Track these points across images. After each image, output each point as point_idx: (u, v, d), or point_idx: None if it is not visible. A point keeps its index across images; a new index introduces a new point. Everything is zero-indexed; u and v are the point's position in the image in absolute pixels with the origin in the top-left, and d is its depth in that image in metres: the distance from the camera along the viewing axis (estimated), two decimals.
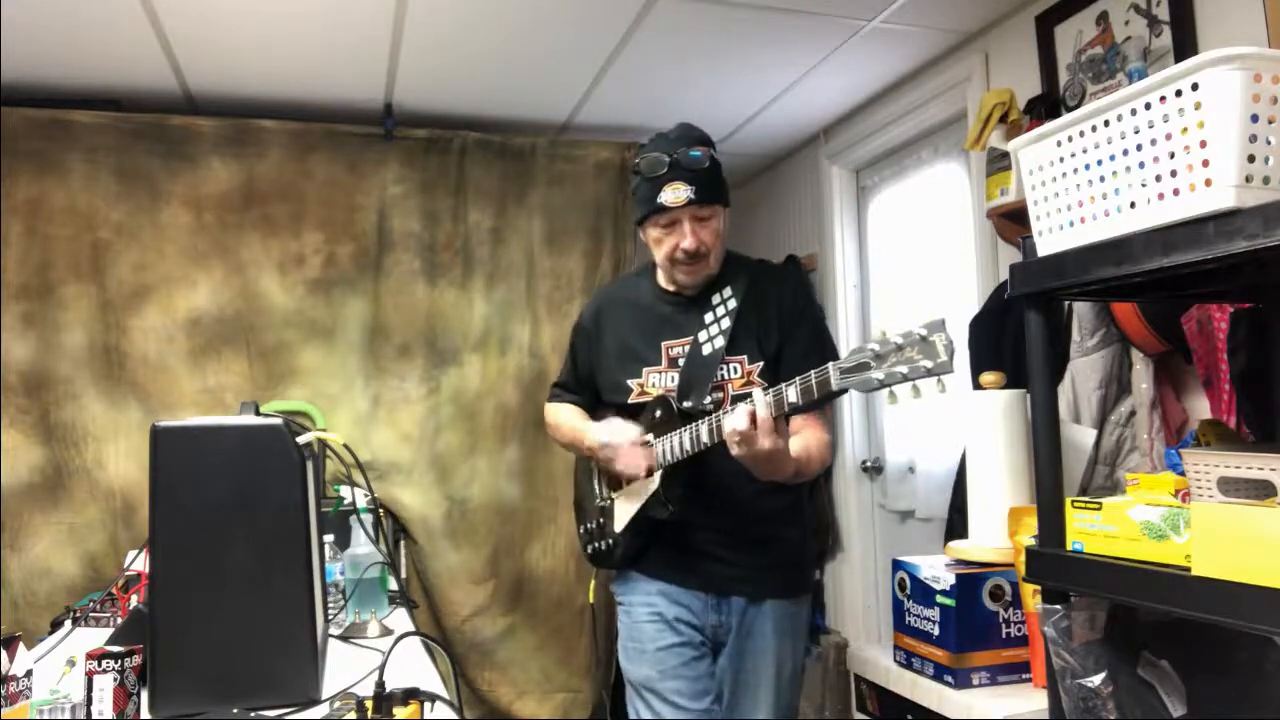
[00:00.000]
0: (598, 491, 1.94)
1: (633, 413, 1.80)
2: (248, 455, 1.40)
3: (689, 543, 1.79)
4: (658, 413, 1.74)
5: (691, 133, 1.79)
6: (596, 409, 1.94)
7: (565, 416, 1.99)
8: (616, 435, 1.77)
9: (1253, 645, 1.21)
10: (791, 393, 1.46)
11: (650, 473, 1.74)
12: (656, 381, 1.80)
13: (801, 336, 1.78)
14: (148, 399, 2.80)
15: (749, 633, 1.80)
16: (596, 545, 1.92)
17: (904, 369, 1.29)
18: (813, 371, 1.42)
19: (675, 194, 1.71)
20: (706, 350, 1.77)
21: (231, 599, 1.36)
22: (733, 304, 1.79)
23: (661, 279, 1.89)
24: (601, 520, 1.90)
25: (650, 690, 1.78)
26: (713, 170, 1.75)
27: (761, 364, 1.75)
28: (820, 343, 1.81)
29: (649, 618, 1.82)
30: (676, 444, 1.67)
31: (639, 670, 1.81)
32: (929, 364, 1.27)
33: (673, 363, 1.80)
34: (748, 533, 1.78)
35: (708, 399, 1.72)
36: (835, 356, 1.66)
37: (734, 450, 1.51)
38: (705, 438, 1.61)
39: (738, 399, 1.66)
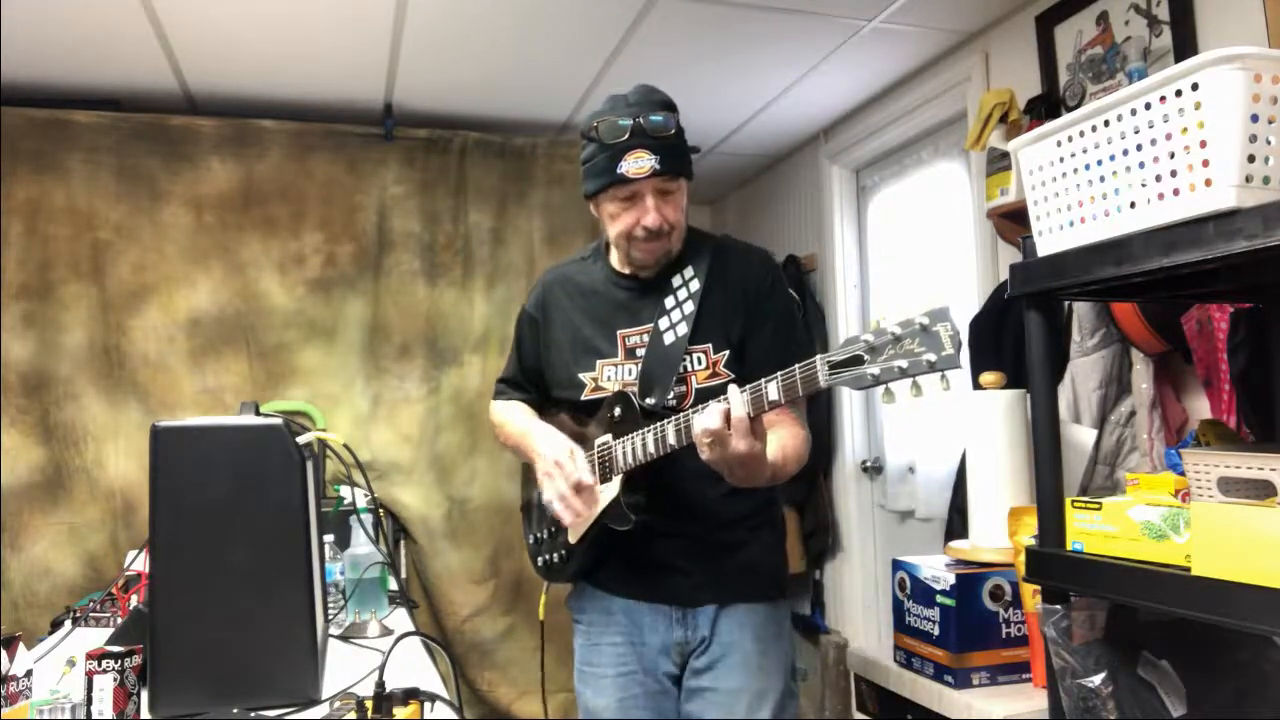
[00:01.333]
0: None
1: (587, 410, 1.62)
2: (248, 455, 1.40)
3: (651, 553, 1.60)
4: (616, 410, 1.55)
5: (653, 95, 1.57)
6: (546, 408, 1.76)
7: (513, 416, 1.77)
8: (562, 467, 1.52)
9: (1253, 645, 1.21)
10: (773, 389, 1.27)
11: (607, 478, 1.55)
12: (612, 375, 1.60)
13: (767, 324, 1.58)
14: (148, 399, 2.80)
15: (723, 644, 1.60)
16: (547, 557, 1.70)
17: (903, 363, 1.13)
18: (797, 366, 1.24)
19: (638, 163, 1.49)
20: (669, 339, 1.57)
21: (231, 599, 1.36)
22: (695, 285, 1.59)
23: (615, 260, 1.68)
24: (553, 529, 1.68)
25: None
26: (678, 138, 1.54)
27: (728, 353, 1.56)
28: (788, 332, 1.61)
29: (610, 639, 1.65)
30: (639, 446, 1.48)
31: (598, 699, 1.64)
32: (932, 357, 1.11)
33: (630, 354, 1.60)
34: (714, 539, 1.61)
35: (671, 394, 1.54)
36: (804, 347, 1.54)
37: (705, 454, 1.33)
38: (672, 439, 1.42)
39: (703, 393, 1.50)
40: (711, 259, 1.63)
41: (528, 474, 1.78)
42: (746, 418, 1.30)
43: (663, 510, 1.57)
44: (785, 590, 1.71)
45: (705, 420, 1.31)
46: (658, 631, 1.63)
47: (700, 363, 1.57)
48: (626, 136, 1.50)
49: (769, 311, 1.60)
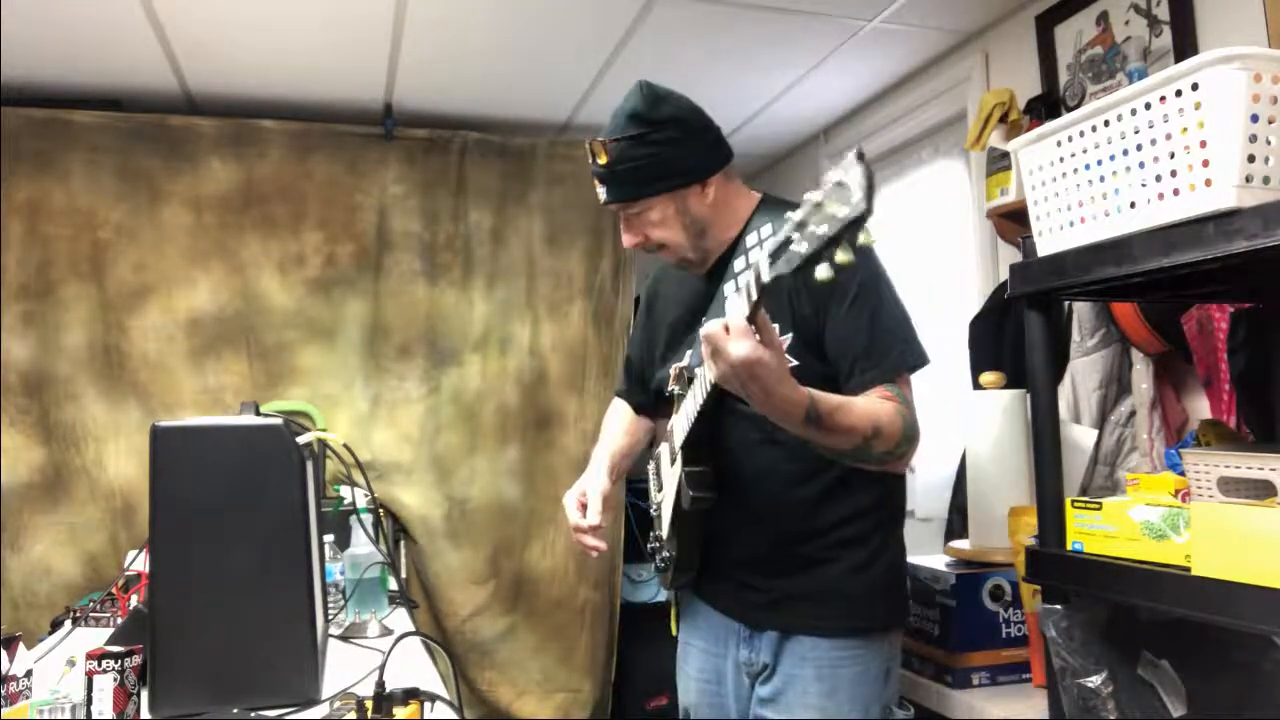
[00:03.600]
0: (652, 495, 1.65)
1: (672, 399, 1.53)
2: (248, 455, 1.40)
3: (727, 560, 1.50)
4: (676, 389, 1.46)
5: (621, 106, 1.49)
6: (658, 405, 1.68)
7: (605, 425, 1.77)
8: (570, 508, 1.55)
9: (1253, 645, 1.21)
10: (749, 289, 1.12)
11: (674, 460, 1.47)
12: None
13: (841, 303, 1.39)
14: (148, 399, 2.80)
15: (785, 677, 1.45)
16: (657, 561, 1.60)
17: (823, 228, 0.98)
18: (749, 270, 1.13)
19: (600, 193, 1.51)
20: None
21: (231, 599, 1.36)
22: (756, 255, 1.40)
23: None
24: (656, 530, 1.62)
25: None
26: (620, 163, 1.45)
27: (791, 335, 1.41)
28: (870, 307, 1.40)
29: (695, 643, 1.60)
30: (685, 414, 1.40)
31: (685, 698, 1.63)
32: (845, 210, 0.96)
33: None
34: (788, 552, 1.45)
35: None
36: (899, 323, 1.41)
37: (711, 372, 1.20)
38: (700, 394, 1.33)
39: None
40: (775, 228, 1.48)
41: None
42: (743, 322, 1.14)
43: (730, 510, 1.44)
44: (881, 624, 1.47)
45: (704, 329, 1.18)
46: (729, 647, 1.53)
47: None
48: (591, 165, 1.49)
49: (841, 303, 1.40)
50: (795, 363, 1.33)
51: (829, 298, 1.39)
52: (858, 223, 0.96)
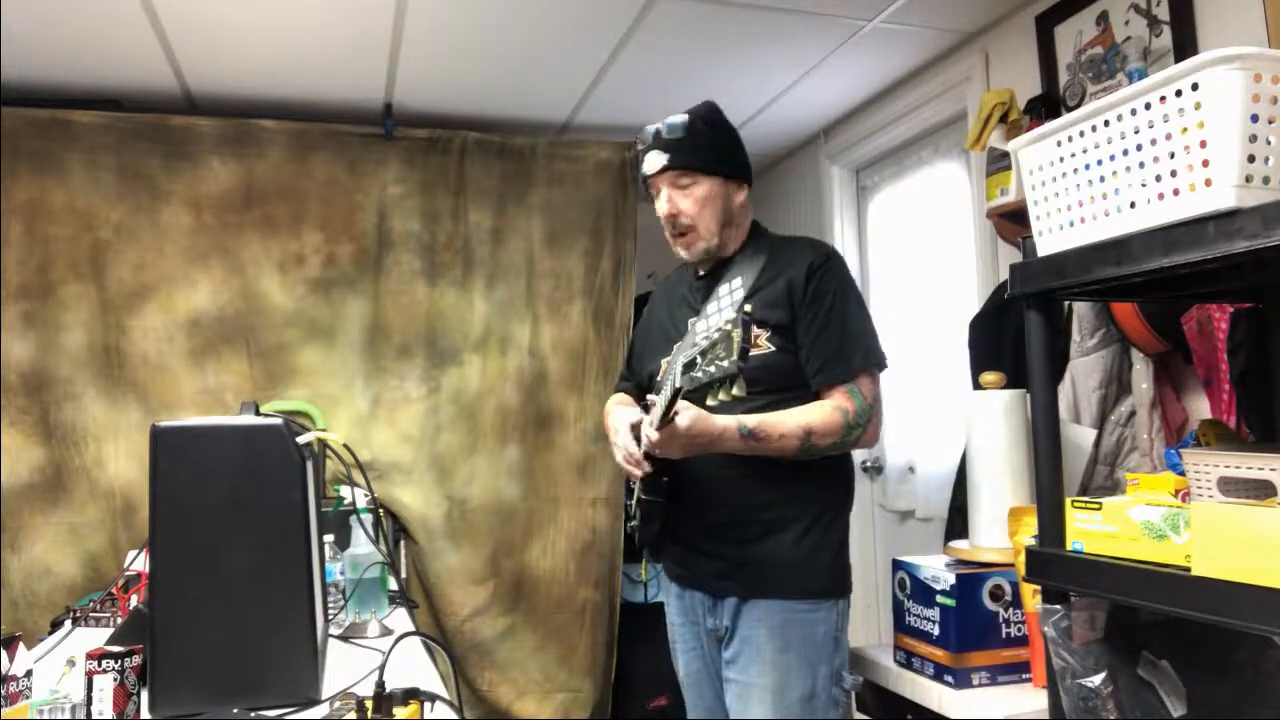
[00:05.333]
0: None
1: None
2: (248, 455, 1.40)
3: (689, 536, 1.74)
4: (654, 394, 1.64)
5: (693, 110, 1.75)
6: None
7: (612, 404, 1.93)
8: (623, 432, 1.70)
9: (1253, 645, 1.21)
10: (661, 401, 1.43)
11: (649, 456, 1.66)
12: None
13: (810, 313, 1.66)
14: (148, 399, 2.80)
15: (742, 638, 1.68)
16: (626, 527, 1.93)
17: (712, 369, 1.28)
18: (680, 365, 1.35)
19: (651, 162, 1.71)
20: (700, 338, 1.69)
21: (231, 599, 1.36)
22: (739, 294, 1.65)
23: (698, 265, 1.84)
24: (629, 501, 1.86)
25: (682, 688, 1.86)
26: (695, 137, 1.70)
27: (769, 331, 1.67)
28: (835, 320, 1.66)
29: (674, 619, 1.85)
30: (651, 419, 1.57)
31: (679, 670, 1.86)
32: (726, 364, 1.24)
33: (682, 340, 1.71)
34: (737, 527, 1.68)
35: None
36: (858, 337, 1.67)
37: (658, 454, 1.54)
38: (656, 417, 1.50)
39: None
40: (771, 252, 1.75)
41: None
42: (657, 435, 1.47)
43: (688, 491, 1.68)
44: (825, 590, 1.68)
45: (647, 432, 1.50)
46: (698, 615, 1.77)
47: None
48: (650, 141, 1.72)
49: (811, 299, 1.67)
50: (772, 348, 1.65)
51: (804, 304, 1.67)
52: (728, 376, 1.25)
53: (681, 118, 1.71)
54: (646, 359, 1.90)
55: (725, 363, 1.22)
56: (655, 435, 1.46)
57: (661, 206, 1.72)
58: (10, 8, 2.21)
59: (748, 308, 1.27)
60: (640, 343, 1.96)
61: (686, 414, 1.49)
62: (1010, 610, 1.74)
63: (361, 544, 2.03)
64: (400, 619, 2.04)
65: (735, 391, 1.25)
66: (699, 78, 2.77)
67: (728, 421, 1.53)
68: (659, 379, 1.78)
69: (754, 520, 1.68)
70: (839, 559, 1.73)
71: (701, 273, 1.83)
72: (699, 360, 1.27)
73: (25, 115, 2.72)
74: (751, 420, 1.57)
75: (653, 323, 1.93)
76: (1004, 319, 2.15)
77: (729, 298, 1.62)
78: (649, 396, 1.56)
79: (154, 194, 2.84)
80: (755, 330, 1.65)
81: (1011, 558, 1.69)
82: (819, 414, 1.61)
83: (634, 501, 1.79)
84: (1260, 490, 1.16)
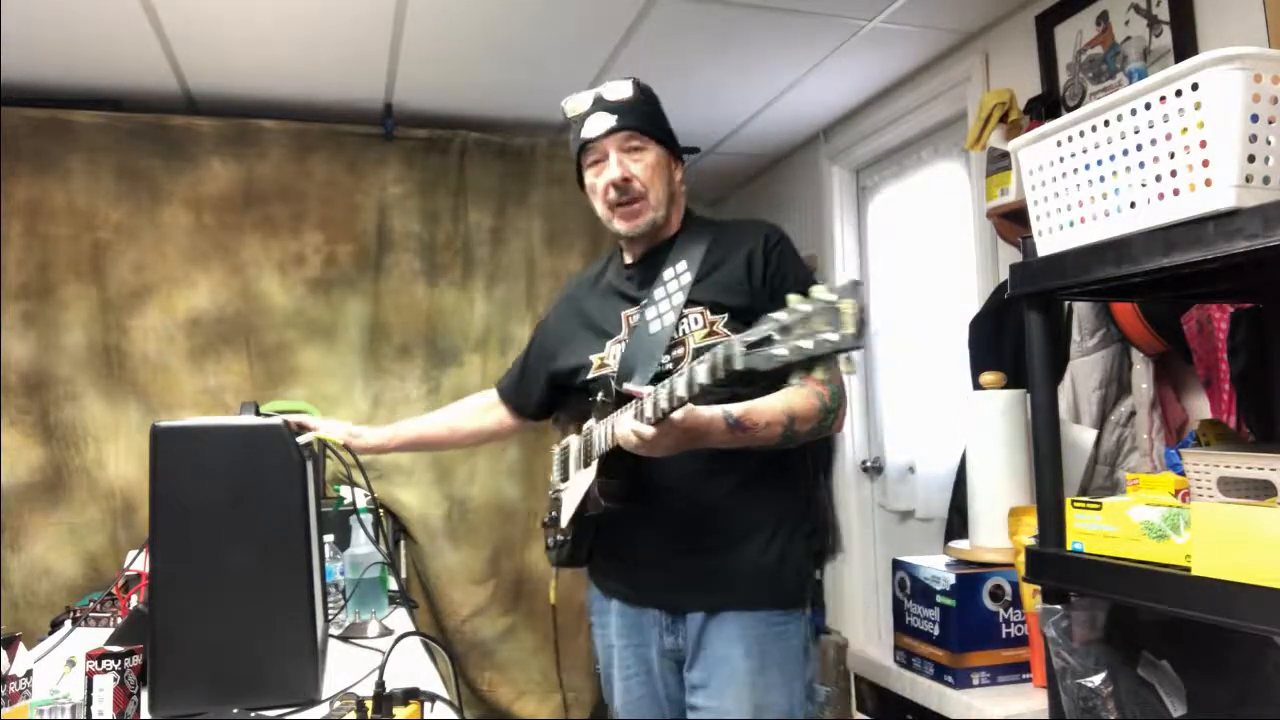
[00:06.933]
0: (554, 478, 1.74)
1: (588, 391, 1.59)
2: (248, 455, 1.40)
3: (635, 549, 1.56)
4: (600, 395, 1.51)
5: (617, 81, 1.62)
6: (558, 403, 1.78)
7: (447, 410, 1.96)
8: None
9: (1253, 645, 1.21)
10: (680, 385, 1.20)
11: (589, 463, 1.51)
12: (618, 354, 1.58)
13: (773, 291, 1.49)
14: (148, 399, 2.80)
15: (713, 658, 1.49)
16: (549, 539, 1.69)
17: (808, 343, 1.04)
18: (720, 347, 1.15)
19: (596, 124, 1.56)
20: (654, 328, 1.53)
21: (231, 599, 1.36)
22: (686, 279, 1.56)
23: (625, 251, 1.70)
24: (554, 512, 1.69)
25: None
26: (640, 103, 1.59)
27: (726, 315, 1.50)
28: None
29: (611, 642, 1.64)
30: (609, 430, 1.43)
31: (615, 699, 1.65)
32: (834, 337, 1.02)
33: (633, 331, 1.58)
34: (703, 533, 1.51)
35: (652, 376, 1.47)
36: None
37: (643, 453, 1.31)
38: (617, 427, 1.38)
39: (700, 352, 1.37)
40: (714, 233, 1.61)
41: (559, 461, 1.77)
42: (654, 428, 1.26)
43: (645, 501, 1.49)
44: (796, 599, 1.53)
45: (622, 430, 1.31)
46: (650, 638, 1.57)
47: (697, 323, 1.52)
48: (589, 106, 1.58)
49: (773, 278, 1.52)
50: (729, 335, 1.44)
51: (763, 285, 1.51)
52: (843, 350, 1.01)
53: (624, 80, 1.59)
54: (567, 355, 1.68)
55: (833, 335, 1.01)
56: (650, 431, 1.26)
57: (610, 172, 1.55)
58: (10, 8, 2.21)
59: (856, 277, 1.11)
60: (553, 341, 1.75)
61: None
62: (1010, 610, 1.74)
63: (361, 544, 2.03)
64: (400, 619, 2.04)
65: (845, 368, 1.04)
66: (699, 78, 2.76)
67: (714, 412, 1.34)
68: (596, 375, 1.59)
69: (719, 525, 1.51)
70: (805, 564, 1.57)
71: (630, 260, 1.67)
72: (775, 337, 1.06)
73: (25, 115, 2.72)
74: (737, 409, 1.36)
75: (571, 319, 1.72)
76: (1004, 319, 2.15)
77: (675, 282, 1.53)
78: (632, 386, 1.40)
79: (154, 194, 2.84)
80: (711, 316, 1.52)
81: (1011, 558, 1.69)
82: (799, 399, 1.43)
83: (561, 514, 1.63)
84: (1260, 490, 1.16)
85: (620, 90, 1.58)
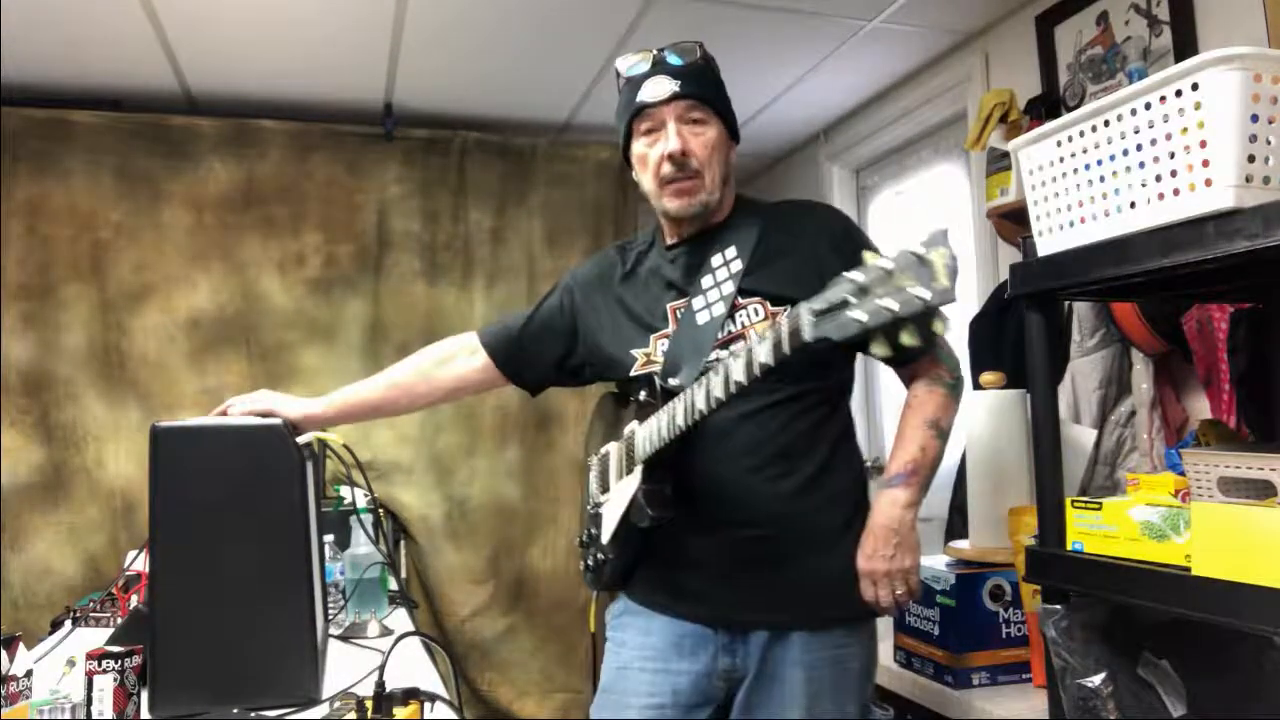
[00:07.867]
0: (593, 492, 1.54)
1: (629, 388, 1.46)
2: (248, 455, 1.40)
3: (689, 559, 1.39)
4: (641, 394, 1.37)
5: (683, 40, 1.48)
6: (558, 384, 1.68)
7: (404, 365, 1.75)
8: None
9: (1253, 645, 1.21)
10: (737, 368, 1.10)
11: (631, 469, 1.38)
12: (663, 348, 1.44)
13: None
14: (148, 399, 2.80)
15: (769, 679, 1.36)
16: (588, 560, 1.51)
17: (892, 303, 0.90)
18: (784, 318, 1.03)
19: (657, 88, 1.39)
20: (702, 319, 1.40)
21: (231, 599, 1.36)
22: (737, 265, 1.41)
23: (667, 233, 1.52)
24: (593, 530, 1.49)
25: None
26: (706, 71, 1.45)
27: (789, 308, 1.23)
28: None
29: (642, 664, 1.42)
30: (654, 431, 1.30)
31: None
32: (925, 293, 0.88)
33: (679, 324, 1.45)
34: (770, 536, 1.36)
35: (703, 363, 1.35)
36: None
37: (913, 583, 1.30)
38: (681, 419, 1.24)
39: None
40: (767, 216, 1.47)
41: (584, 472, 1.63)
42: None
43: (698, 506, 1.34)
44: (869, 611, 1.40)
45: (885, 603, 1.32)
46: (699, 658, 1.39)
47: (758, 313, 1.38)
48: (648, 68, 1.42)
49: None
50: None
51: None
52: (935, 305, 0.88)
53: (691, 42, 1.43)
54: (605, 347, 1.52)
55: (923, 291, 0.87)
56: (911, 586, 1.32)
57: (668, 143, 1.38)
58: (10, 8, 2.21)
59: (943, 226, 0.95)
60: (586, 327, 1.57)
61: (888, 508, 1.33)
62: (1010, 610, 1.74)
63: (361, 544, 2.03)
64: (400, 619, 2.04)
65: (937, 328, 0.90)
66: None
67: (882, 498, 1.32)
68: (640, 373, 1.44)
69: (784, 531, 1.36)
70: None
71: (672, 241, 1.51)
72: (851, 300, 0.92)
73: (25, 115, 2.72)
74: (890, 470, 1.37)
75: (608, 306, 1.53)
76: (1004, 319, 2.15)
77: (725, 269, 1.38)
78: (678, 382, 1.30)
79: (154, 194, 2.84)
80: (773, 308, 1.38)
81: (1011, 558, 1.69)
82: (930, 401, 1.39)
83: (602, 529, 1.45)
84: (1260, 490, 1.16)
85: (686, 53, 1.42)
